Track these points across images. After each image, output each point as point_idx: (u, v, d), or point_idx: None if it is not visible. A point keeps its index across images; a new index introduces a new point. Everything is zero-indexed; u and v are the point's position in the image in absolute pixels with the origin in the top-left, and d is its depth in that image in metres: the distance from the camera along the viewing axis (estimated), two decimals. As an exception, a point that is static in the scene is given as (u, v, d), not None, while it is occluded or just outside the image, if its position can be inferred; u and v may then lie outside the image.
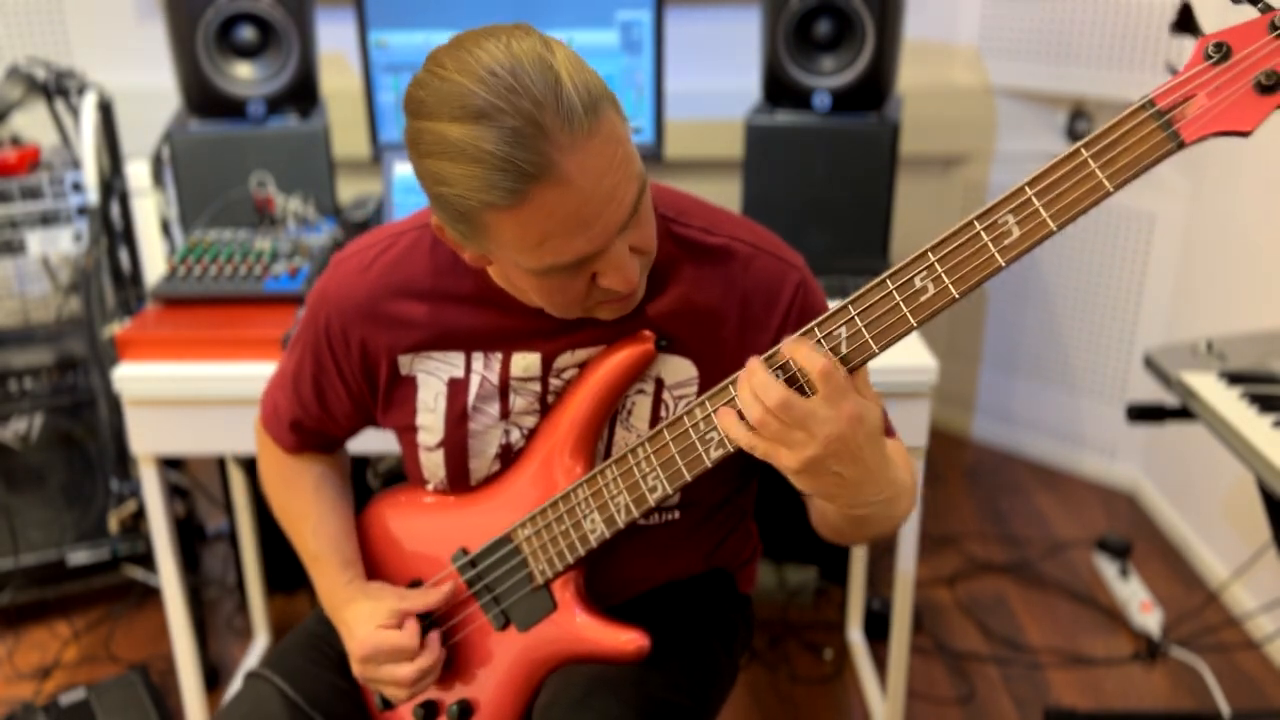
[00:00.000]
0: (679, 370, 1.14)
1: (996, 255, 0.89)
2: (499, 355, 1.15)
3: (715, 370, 1.14)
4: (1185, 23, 0.86)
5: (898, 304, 0.93)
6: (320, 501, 1.30)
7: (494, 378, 1.16)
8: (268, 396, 1.31)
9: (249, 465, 2.16)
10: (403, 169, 1.98)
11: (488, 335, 1.15)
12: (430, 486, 1.25)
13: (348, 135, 2.35)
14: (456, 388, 1.17)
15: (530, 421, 1.17)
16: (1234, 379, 1.64)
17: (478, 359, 1.16)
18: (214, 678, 2.22)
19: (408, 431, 1.22)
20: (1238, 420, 1.53)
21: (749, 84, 2.19)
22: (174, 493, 2.22)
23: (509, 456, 1.19)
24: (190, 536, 2.43)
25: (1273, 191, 2.23)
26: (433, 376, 1.18)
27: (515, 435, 1.18)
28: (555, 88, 0.88)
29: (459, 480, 1.21)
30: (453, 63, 0.91)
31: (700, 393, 1.14)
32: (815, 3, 1.96)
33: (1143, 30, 2.54)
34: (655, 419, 1.15)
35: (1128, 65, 2.59)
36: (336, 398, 1.24)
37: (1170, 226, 2.63)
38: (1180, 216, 2.60)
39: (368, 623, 1.17)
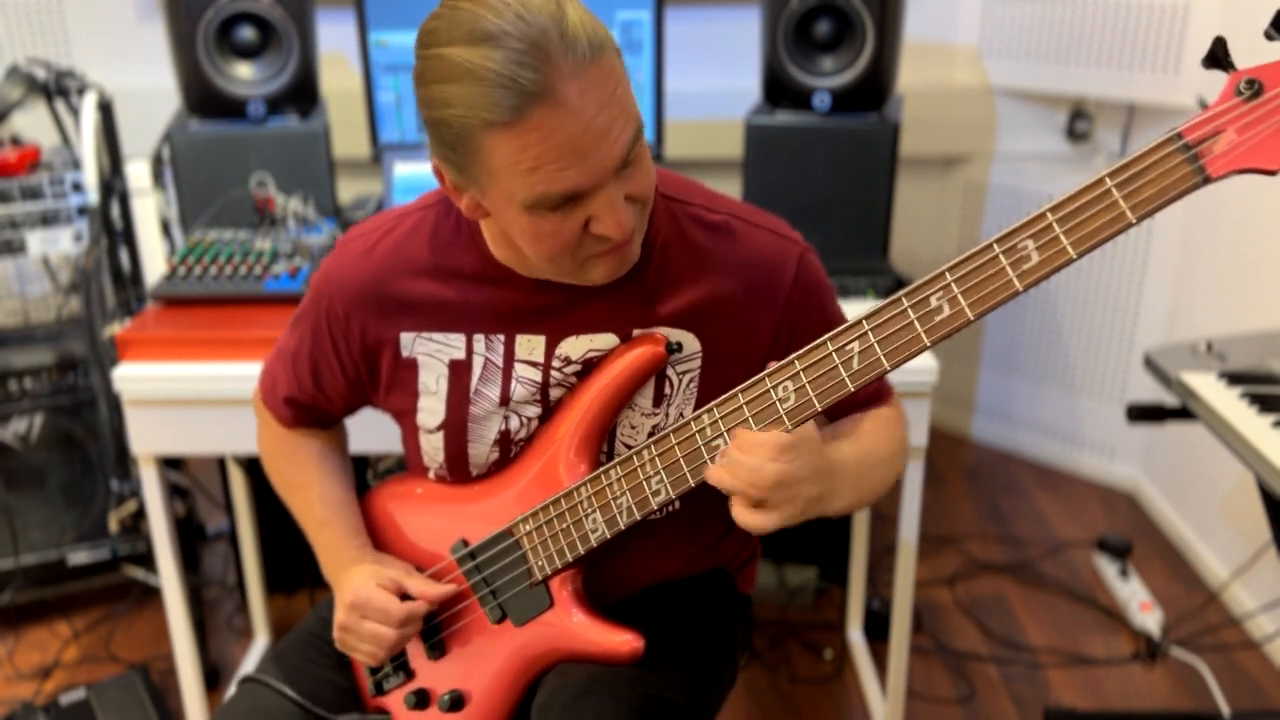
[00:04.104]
0: (683, 349, 1.15)
1: (1015, 280, 0.89)
2: (502, 337, 1.16)
3: (718, 345, 1.15)
4: (1218, 58, 0.84)
5: (912, 322, 0.94)
6: (324, 473, 1.32)
7: (498, 360, 1.16)
8: (267, 371, 1.33)
9: (249, 465, 2.16)
10: (403, 169, 1.98)
11: (491, 315, 1.15)
12: (430, 473, 1.25)
13: (348, 135, 2.35)
14: (458, 369, 1.17)
15: (530, 411, 1.18)
16: (1234, 379, 1.64)
17: (479, 341, 1.16)
18: (214, 678, 2.22)
19: (408, 414, 1.22)
20: (1238, 420, 1.53)
21: (749, 84, 2.19)
22: (174, 493, 2.22)
23: (507, 444, 1.20)
24: (190, 536, 2.44)
25: (1272, 191, 2.23)
26: (433, 359, 1.18)
27: (515, 423, 1.18)
28: (562, 22, 0.92)
29: (458, 466, 1.22)
30: None
31: (703, 368, 1.15)
32: (815, 3, 1.96)
33: (1143, 30, 2.54)
34: (659, 396, 1.16)
35: (1128, 65, 2.59)
36: (332, 378, 1.25)
37: (1169, 226, 2.63)
38: (1180, 217, 2.60)
39: (369, 580, 1.18)
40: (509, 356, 1.16)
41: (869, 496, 1.15)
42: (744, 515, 1.02)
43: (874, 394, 1.23)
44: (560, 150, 0.94)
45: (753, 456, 1.00)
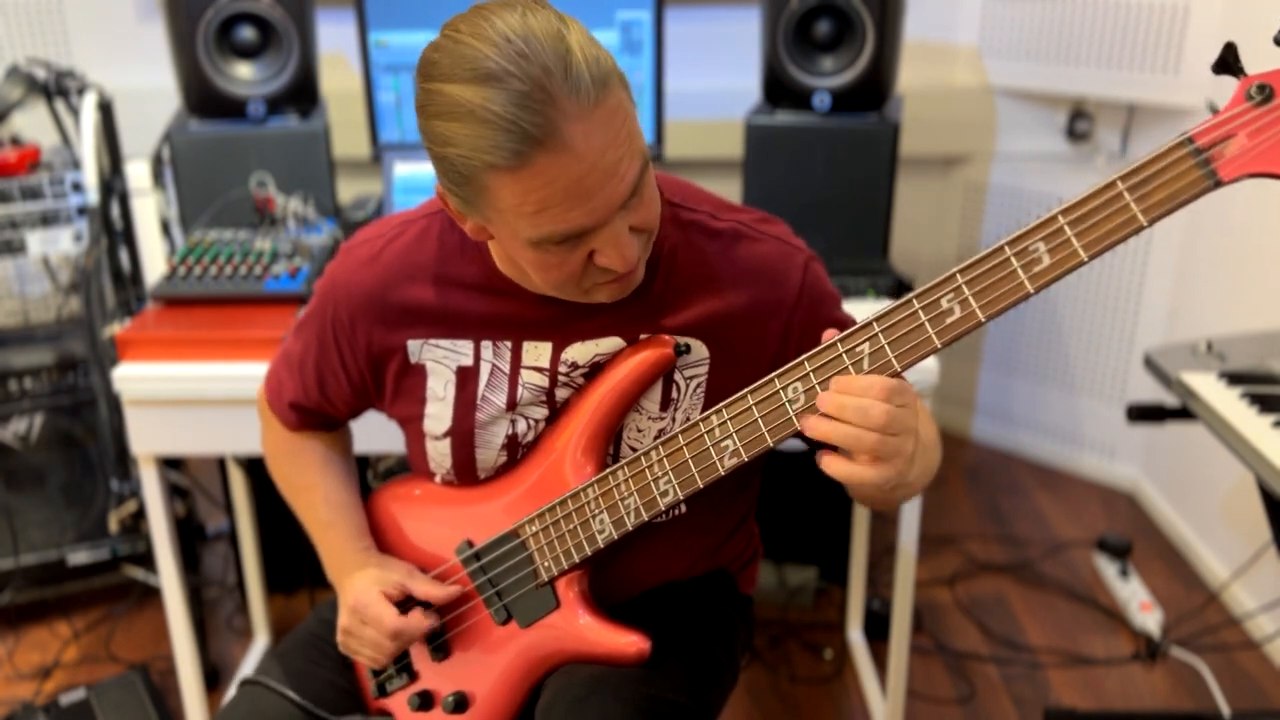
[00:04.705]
0: (691, 352, 1.15)
1: (1026, 282, 0.89)
2: (509, 344, 1.16)
3: (726, 352, 1.15)
4: (1228, 63, 0.84)
5: (923, 324, 0.93)
6: (328, 475, 1.32)
7: (505, 366, 1.16)
8: (272, 373, 1.33)
9: (249, 465, 2.16)
10: (403, 169, 1.98)
11: (497, 323, 1.15)
12: (437, 478, 1.25)
13: (348, 135, 2.35)
14: (466, 375, 1.17)
15: (537, 414, 1.18)
16: (1234, 379, 1.64)
17: (486, 348, 1.16)
18: (214, 678, 2.22)
19: (414, 421, 1.22)
20: (1238, 420, 1.53)
21: (749, 84, 2.19)
22: (174, 493, 2.21)
23: (515, 448, 1.20)
24: (190, 536, 2.43)
25: (1272, 192, 2.23)
26: (441, 365, 1.18)
27: (522, 426, 1.18)
28: (566, 58, 0.90)
29: (466, 471, 1.22)
30: (468, 28, 0.93)
31: (710, 374, 1.15)
32: (815, 3, 1.96)
33: (1143, 30, 2.54)
34: (666, 400, 1.15)
35: (1128, 65, 2.59)
36: (337, 385, 1.25)
37: (1170, 226, 2.63)
38: (1181, 217, 2.60)
39: (372, 585, 1.19)
40: (515, 363, 1.16)
41: (924, 478, 1.09)
42: (839, 466, 0.95)
43: None
44: (565, 193, 0.93)
45: (859, 397, 0.93)
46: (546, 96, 0.89)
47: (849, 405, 0.93)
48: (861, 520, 2.24)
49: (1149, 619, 2.34)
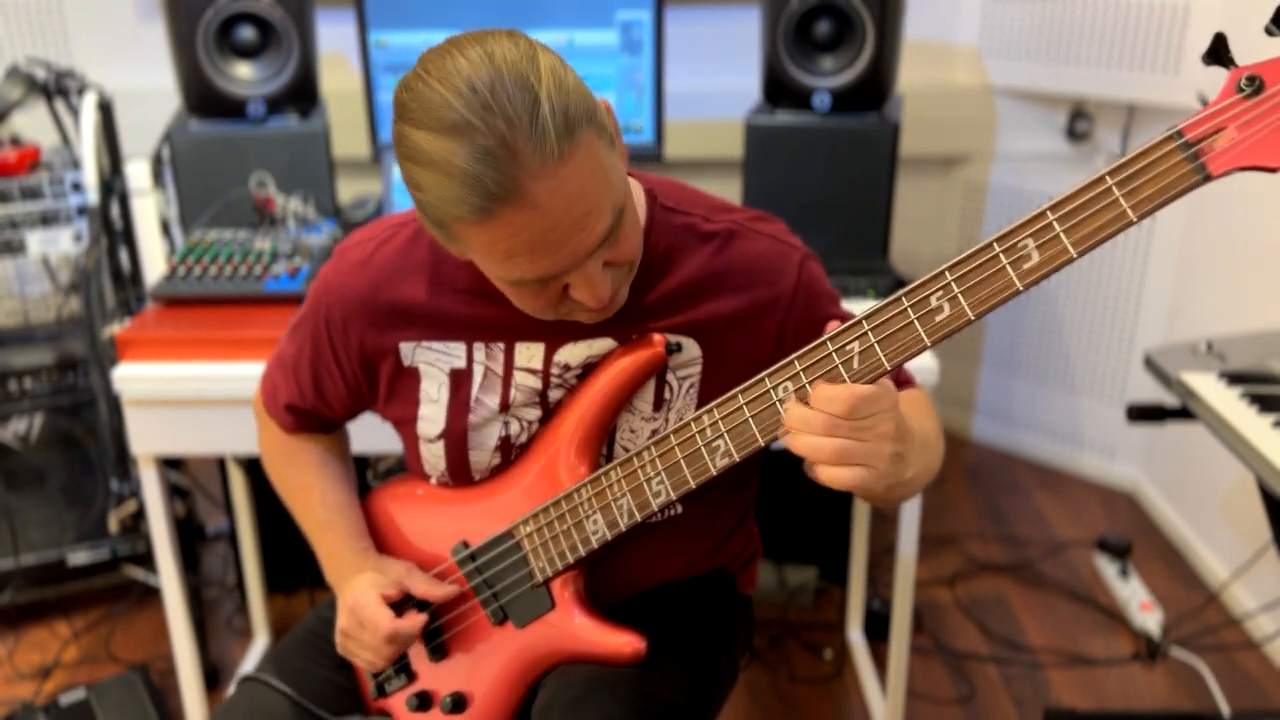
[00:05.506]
0: (683, 351, 1.15)
1: (1015, 279, 0.88)
2: (502, 345, 1.16)
3: (720, 352, 1.15)
4: (1218, 54, 0.83)
5: (913, 322, 0.93)
6: (325, 476, 1.32)
7: (498, 368, 1.16)
8: (268, 376, 1.33)
9: (249, 465, 2.16)
10: (403, 169, 1.98)
11: (489, 326, 1.15)
12: (432, 480, 1.25)
13: (348, 135, 2.35)
14: (459, 378, 1.17)
15: (531, 415, 1.18)
16: (1234, 379, 1.64)
17: (479, 349, 1.16)
18: (214, 678, 2.22)
19: (408, 423, 1.22)
20: (1238, 420, 1.53)
21: (749, 84, 2.19)
22: (174, 493, 2.21)
23: (509, 449, 1.20)
24: (190, 536, 2.43)
25: (1272, 191, 2.23)
26: (434, 368, 1.18)
27: (515, 428, 1.18)
28: (531, 110, 0.88)
29: (460, 473, 1.22)
30: (436, 70, 0.92)
31: (704, 374, 1.15)
32: (815, 3, 1.96)
33: (1143, 30, 2.54)
34: (659, 400, 1.15)
35: (1128, 65, 2.59)
36: (333, 386, 1.25)
37: (1170, 226, 2.63)
38: (1180, 216, 2.60)
39: (370, 588, 1.18)
40: (508, 364, 1.16)
41: (925, 476, 1.08)
42: (820, 472, 0.94)
43: (898, 379, 1.22)
44: (531, 245, 0.93)
45: (822, 410, 0.93)
46: (509, 153, 0.88)
47: (813, 419, 0.94)
48: (861, 520, 2.24)
49: (1149, 619, 2.34)
